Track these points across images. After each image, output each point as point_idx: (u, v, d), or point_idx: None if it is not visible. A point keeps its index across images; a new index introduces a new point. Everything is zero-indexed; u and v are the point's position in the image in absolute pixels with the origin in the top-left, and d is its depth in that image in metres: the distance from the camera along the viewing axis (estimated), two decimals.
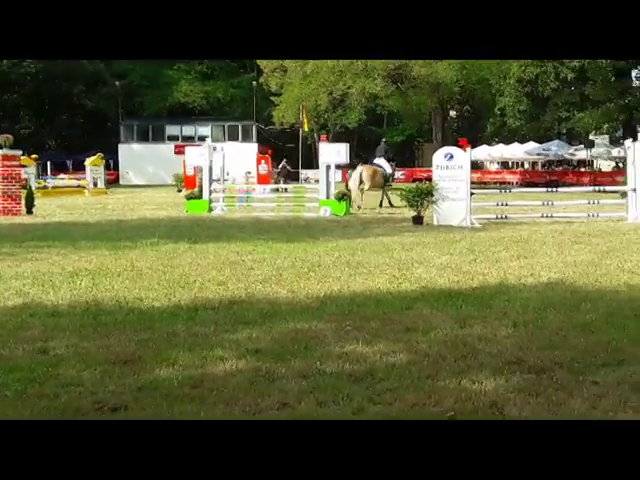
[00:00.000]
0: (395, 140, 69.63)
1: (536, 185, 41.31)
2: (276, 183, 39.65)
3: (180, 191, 36.20)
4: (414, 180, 37.85)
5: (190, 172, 36.79)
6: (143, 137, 65.24)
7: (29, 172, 36.29)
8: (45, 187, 40.33)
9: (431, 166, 20.62)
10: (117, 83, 64.36)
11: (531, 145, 55.10)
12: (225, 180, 30.93)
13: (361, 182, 25.25)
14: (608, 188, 25.13)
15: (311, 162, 55.64)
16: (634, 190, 19.43)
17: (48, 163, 52.02)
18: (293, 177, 50.59)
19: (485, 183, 48.14)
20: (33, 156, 39.83)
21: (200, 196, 25.25)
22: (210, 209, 24.68)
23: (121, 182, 59.79)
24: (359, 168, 26.01)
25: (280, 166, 48.57)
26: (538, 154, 54.73)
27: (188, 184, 35.43)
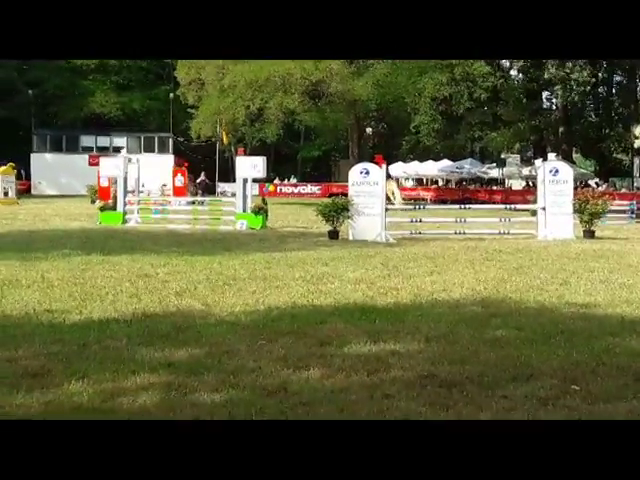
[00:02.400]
0: (312, 155, 70.03)
1: (450, 202, 42.00)
2: (194, 196, 39.36)
3: (94, 202, 35.60)
4: (330, 195, 38.04)
5: (104, 183, 36.24)
6: (57, 147, 64.03)
7: None
8: None
9: (347, 182, 20.78)
10: (30, 92, 63.05)
11: (445, 163, 55.99)
12: (140, 192, 30.60)
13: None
14: (519, 206, 25.71)
15: (228, 175, 55.45)
16: (543, 209, 19.93)
17: None
18: (211, 190, 50.37)
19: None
20: None
21: (114, 207, 24.93)
22: (124, 221, 24.38)
23: (33, 192, 58.51)
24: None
25: (199, 179, 48.30)
26: (452, 172, 55.62)
27: (102, 195, 34.89)
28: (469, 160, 56.59)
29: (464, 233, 19.83)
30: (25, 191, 54.94)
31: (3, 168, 42.11)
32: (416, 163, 59.34)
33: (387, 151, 49.42)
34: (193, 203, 31.62)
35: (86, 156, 60.38)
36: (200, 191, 44.76)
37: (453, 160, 56.06)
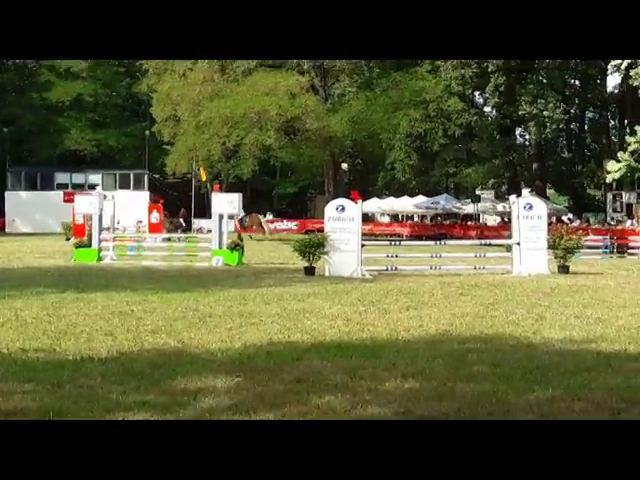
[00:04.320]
0: (288, 192, 70.11)
1: (425, 238, 42.14)
2: (170, 232, 39.28)
3: (69, 239, 35.41)
4: (306, 231, 38.10)
5: (79, 220, 36.09)
6: (31, 184, 63.73)
7: None
8: None
9: (323, 218, 20.83)
10: (4, 129, 62.86)
11: (420, 199, 56.24)
12: (116, 229, 30.49)
13: None
14: (494, 241, 25.84)
15: (204, 211, 55.38)
16: (518, 244, 20.04)
17: None
18: (186, 227, 50.29)
19: (376, 235, 48.81)
20: None
21: (89, 245, 24.80)
22: (99, 258, 24.25)
23: (7, 230, 58.12)
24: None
25: (180, 215, 48.39)
26: (427, 207, 55.87)
27: (77, 232, 34.73)
28: (444, 196, 56.90)
29: (440, 268, 19.90)
30: None
31: None
32: (392, 199, 59.56)
33: (363, 187, 49.66)
34: (169, 240, 31.53)
35: (61, 193, 60.11)
36: (179, 228, 44.78)
37: (428, 196, 56.34)
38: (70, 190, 58.02)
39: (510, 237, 21.32)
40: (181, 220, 47.87)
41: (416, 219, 60.97)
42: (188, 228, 50.28)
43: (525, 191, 23.09)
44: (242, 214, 40.74)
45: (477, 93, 57.14)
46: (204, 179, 54.81)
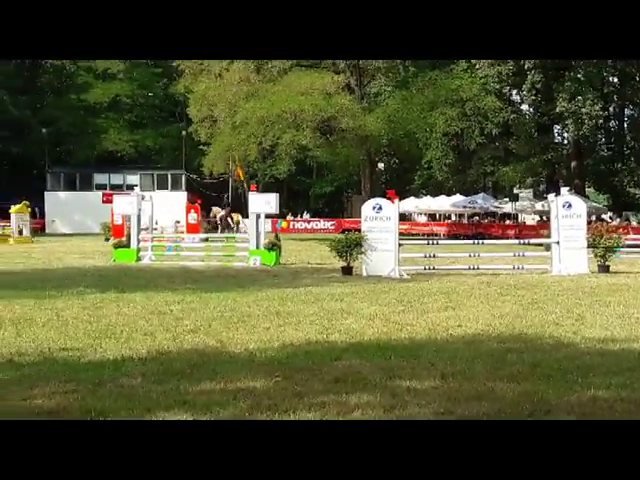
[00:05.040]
0: (324, 191, 70.19)
1: (463, 237, 41.95)
2: (208, 232, 39.47)
3: (108, 240, 35.73)
4: (343, 231, 38.07)
5: (118, 221, 36.40)
6: (70, 185, 64.37)
7: None
8: None
9: (360, 217, 20.79)
10: (44, 130, 63.57)
11: (457, 198, 55.97)
12: (154, 229, 30.69)
13: None
14: (533, 241, 25.61)
15: (241, 211, 55.61)
16: (557, 243, 19.87)
17: None
18: (231, 226, 50.56)
19: (413, 234, 48.70)
20: None
21: (128, 245, 24.97)
22: (138, 258, 24.42)
23: (47, 231, 58.77)
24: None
25: (221, 214, 48.59)
26: (464, 206, 55.57)
27: (116, 233, 35.04)
28: (481, 195, 56.56)
29: (478, 268, 19.78)
30: (39, 229, 55.17)
31: (17, 207, 42.32)
32: (428, 198, 59.41)
33: (399, 186, 49.47)
34: (206, 240, 31.67)
35: (100, 194, 60.67)
36: (227, 229, 45.00)
37: (465, 195, 56.05)
38: (108, 191, 58.56)
39: (549, 236, 21.12)
40: (229, 220, 48.00)
41: (453, 218, 60.72)
42: (229, 227, 50.43)
43: (564, 189, 22.81)
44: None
45: (514, 91, 56.66)
46: (242, 178, 55.04)
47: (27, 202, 44.14)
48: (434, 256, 20.62)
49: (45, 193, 62.91)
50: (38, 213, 58.97)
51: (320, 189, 70.43)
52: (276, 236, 24.36)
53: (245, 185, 59.13)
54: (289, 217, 62.38)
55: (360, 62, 46.14)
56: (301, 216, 65.27)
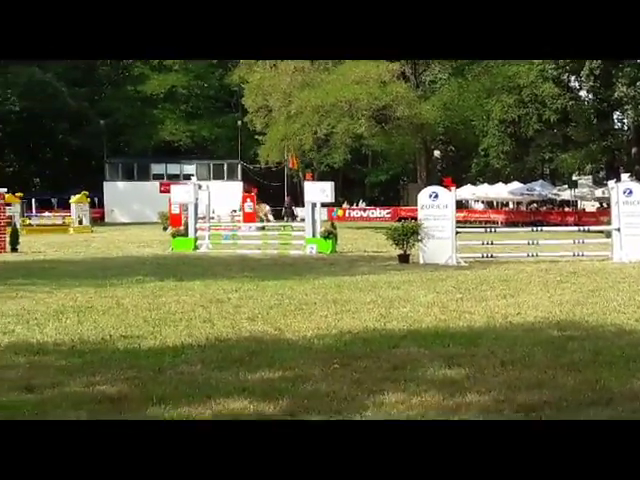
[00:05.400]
0: (380, 179, 69.99)
1: (521, 225, 41.51)
2: (263, 221, 39.66)
3: (166, 229, 36.10)
4: (399, 219, 37.98)
5: (176, 210, 36.75)
6: (128, 175, 65.23)
7: (14, 210, 36.14)
8: (30, 225, 40.21)
9: (416, 205, 20.68)
10: (102, 122, 64.39)
11: (515, 185, 55.44)
12: (211, 218, 30.93)
13: None
14: (592, 228, 25.22)
15: (297, 200, 55.77)
16: (618, 230, 19.55)
17: (33, 201, 51.92)
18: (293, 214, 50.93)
19: (470, 222, 48.35)
20: (18, 194, 39.67)
21: (186, 234, 25.20)
22: (196, 247, 24.63)
23: (107, 220, 59.63)
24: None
25: (286, 203, 48.92)
26: (522, 194, 55.02)
27: (174, 222, 35.39)
28: (540, 182, 55.94)
29: (537, 255, 19.54)
30: (99, 219, 56.02)
31: (77, 197, 42.99)
32: (486, 186, 58.93)
33: (456, 174, 49.07)
34: (263, 228, 31.83)
35: (157, 184, 61.36)
36: (289, 217, 45.27)
37: (523, 182, 55.48)
38: (166, 180, 59.15)
39: (609, 223, 20.79)
40: (294, 209, 48.25)
41: (511, 206, 60.14)
42: (278, 216, 50.68)
43: (624, 176, 22.56)
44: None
45: (572, 77, 55.83)
46: (295, 167, 55.13)
47: (86, 192, 44.81)
48: (492, 243, 20.45)
49: (104, 183, 63.83)
50: (97, 203, 59.88)
51: (376, 177, 70.22)
52: (332, 224, 24.38)
53: (300, 174, 59.25)
54: (345, 205, 62.41)
55: None
56: (357, 204, 65.23)
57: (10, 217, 30.96)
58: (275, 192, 61.71)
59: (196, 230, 25.19)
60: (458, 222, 21.23)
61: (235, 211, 43.96)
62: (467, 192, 56.98)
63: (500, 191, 56.45)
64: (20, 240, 24.64)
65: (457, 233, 19.49)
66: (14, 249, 23.79)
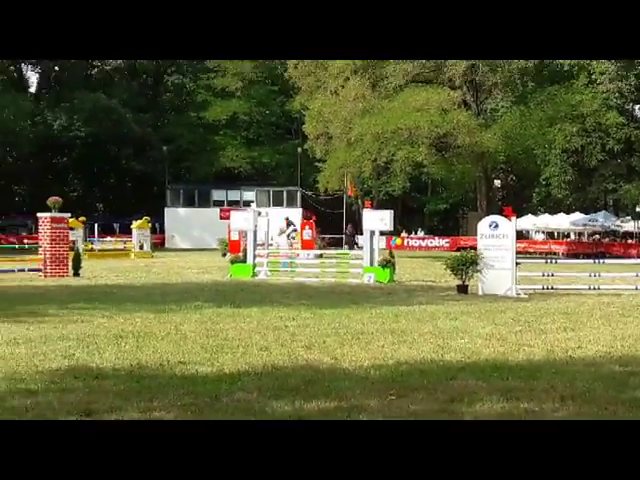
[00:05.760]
0: (439, 208, 69.69)
1: (582, 256, 40.93)
2: (322, 249, 39.69)
3: (225, 255, 36.38)
4: (458, 249, 37.70)
5: (235, 236, 37.03)
6: (189, 201, 65.93)
7: (77, 234, 36.75)
8: (92, 249, 40.83)
9: (476, 235, 20.54)
10: (164, 148, 65.31)
11: (577, 216, 54.73)
12: (269, 245, 31.06)
13: None
14: None
15: (356, 228, 55.76)
16: None
17: (95, 226, 52.72)
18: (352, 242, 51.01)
19: (531, 253, 47.82)
20: (81, 219, 40.37)
21: (244, 260, 25.34)
22: (254, 274, 24.74)
23: (167, 245, 60.29)
24: None
25: (347, 230, 48.98)
26: (584, 225, 54.29)
27: (233, 248, 35.66)
28: (602, 213, 55.16)
29: (599, 288, 19.23)
30: (159, 244, 56.65)
31: (138, 222, 43.56)
32: (547, 216, 58.23)
33: (516, 203, 48.73)
34: (321, 256, 31.87)
35: (217, 210, 61.87)
36: (347, 245, 45.36)
37: (585, 213, 54.76)
38: (226, 207, 59.66)
39: None
40: (356, 237, 48.36)
41: (573, 237, 59.33)
42: (354, 243, 50.72)
43: None
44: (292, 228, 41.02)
45: (637, 107, 55.11)
46: (354, 195, 55.16)
47: (148, 218, 45.40)
48: (552, 275, 20.18)
49: (165, 209, 64.59)
50: (158, 228, 60.61)
51: (435, 206, 69.95)
52: (390, 253, 24.29)
53: (359, 202, 59.28)
54: (403, 234, 62.21)
55: (477, 78, 45.67)
56: (415, 233, 65.00)
57: (73, 242, 31.49)
58: (334, 220, 61.80)
59: (255, 257, 25.32)
60: (518, 253, 21.01)
61: (294, 238, 44.05)
62: (528, 222, 56.36)
63: (561, 222, 55.75)
64: (82, 264, 25.02)
65: (517, 264, 19.28)
66: (76, 273, 24.16)
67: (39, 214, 24.81)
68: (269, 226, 29.44)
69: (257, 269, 25.02)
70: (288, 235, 40.99)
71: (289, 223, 42.19)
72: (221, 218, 56.55)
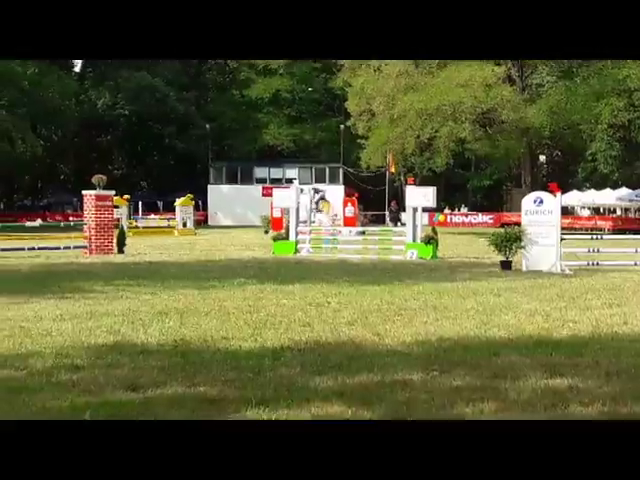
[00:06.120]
0: (483, 184, 69.15)
1: (629, 232, 40.39)
2: (364, 226, 39.67)
3: (267, 232, 36.54)
4: (502, 225, 37.40)
5: (277, 214, 37.15)
6: (232, 179, 66.14)
7: (121, 212, 37.13)
8: (136, 227, 41.21)
9: (520, 211, 20.36)
10: (207, 126, 65.54)
11: (624, 191, 53.95)
12: (312, 222, 31.10)
13: None
14: None
15: (400, 205, 55.58)
16: None
17: (139, 203, 53.18)
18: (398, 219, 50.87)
19: (576, 229, 47.32)
20: (125, 197, 40.74)
21: (287, 237, 25.40)
22: (296, 250, 24.80)
23: (210, 223, 60.65)
24: None
25: (392, 206, 48.90)
26: (631, 200, 53.52)
27: (275, 226, 35.78)
28: None
29: None
30: (202, 222, 57.04)
31: (182, 200, 43.84)
32: (593, 191, 57.49)
33: (561, 179, 48.08)
34: (363, 233, 31.85)
35: (260, 187, 62.06)
36: (392, 222, 45.30)
37: (633, 188, 53.94)
38: (268, 184, 59.79)
39: None
40: (400, 214, 48.24)
41: (619, 212, 58.53)
42: (382, 221, 50.63)
43: None
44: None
45: None
46: (394, 171, 54.96)
47: (191, 195, 45.65)
48: (598, 251, 19.95)
49: (208, 187, 64.92)
50: (201, 206, 60.95)
51: (479, 182, 69.40)
52: (433, 229, 24.18)
53: (402, 178, 59.06)
54: (447, 211, 61.92)
55: None
56: (459, 210, 64.65)
57: (118, 219, 31.80)
58: (376, 196, 61.65)
59: (297, 234, 25.37)
60: (563, 229, 20.77)
61: (336, 215, 44.06)
62: (573, 198, 55.68)
63: (607, 197, 55.00)
64: (127, 242, 25.26)
65: (562, 240, 19.09)
66: (121, 251, 24.40)
67: (84, 192, 25.07)
68: (311, 203, 29.46)
69: (299, 246, 25.07)
70: (317, 202, 40.98)
71: (316, 191, 42.14)
72: (263, 195, 56.76)
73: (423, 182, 48.45)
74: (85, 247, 23.95)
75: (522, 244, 18.86)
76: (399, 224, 44.28)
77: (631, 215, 55.92)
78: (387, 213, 54.31)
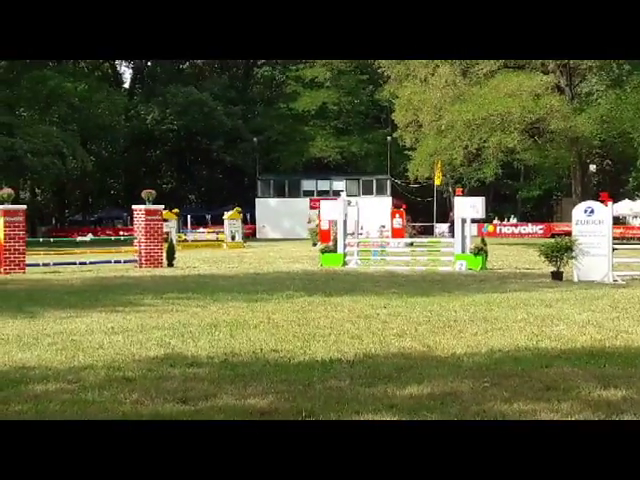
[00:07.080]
0: (532, 194, 68.55)
1: None
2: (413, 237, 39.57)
3: (315, 245, 36.58)
4: (553, 235, 37.07)
5: (325, 226, 37.15)
6: (279, 192, 66.34)
7: (170, 226, 37.44)
8: (185, 240, 41.53)
9: (570, 221, 20.16)
10: (255, 139, 65.89)
11: None
12: (360, 234, 31.07)
13: None
14: None
15: (446, 217, 55.33)
16: None
17: (188, 217, 53.59)
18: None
19: (628, 239, 46.66)
20: (174, 210, 41.12)
21: (335, 250, 25.39)
22: (344, 263, 24.77)
23: (258, 236, 60.86)
24: None
25: (450, 219, 48.79)
26: None
27: (323, 238, 35.80)
28: None
29: None
30: (250, 235, 57.25)
31: (230, 213, 44.08)
32: None
33: (612, 188, 47.61)
34: (411, 244, 31.74)
35: (307, 200, 62.13)
36: (450, 234, 45.24)
37: None
38: (316, 197, 59.87)
39: None
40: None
41: None
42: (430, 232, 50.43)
43: None
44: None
45: None
46: (438, 183, 54.71)
47: (239, 208, 45.91)
48: None
49: (256, 200, 65.17)
50: (249, 219, 61.24)
51: (528, 192, 68.79)
52: (482, 240, 24.01)
53: (450, 189, 58.79)
54: (496, 221, 61.47)
55: (570, 62, 44.71)
56: (508, 220, 64.14)
57: (167, 233, 32.09)
58: (424, 208, 61.42)
59: (345, 246, 25.35)
60: (615, 238, 20.52)
61: (384, 227, 43.96)
62: (624, 207, 54.97)
63: None
64: (176, 255, 25.48)
65: (614, 250, 18.84)
66: (170, 264, 24.61)
67: (134, 206, 25.36)
68: (359, 215, 29.43)
69: (347, 258, 25.05)
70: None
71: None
72: (311, 208, 56.81)
73: (472, 193, 48.16)
74: (135, 261, 24.21)
75: (573, 254, 18.65)
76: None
77: None
78: (447, 224, 53.80)
